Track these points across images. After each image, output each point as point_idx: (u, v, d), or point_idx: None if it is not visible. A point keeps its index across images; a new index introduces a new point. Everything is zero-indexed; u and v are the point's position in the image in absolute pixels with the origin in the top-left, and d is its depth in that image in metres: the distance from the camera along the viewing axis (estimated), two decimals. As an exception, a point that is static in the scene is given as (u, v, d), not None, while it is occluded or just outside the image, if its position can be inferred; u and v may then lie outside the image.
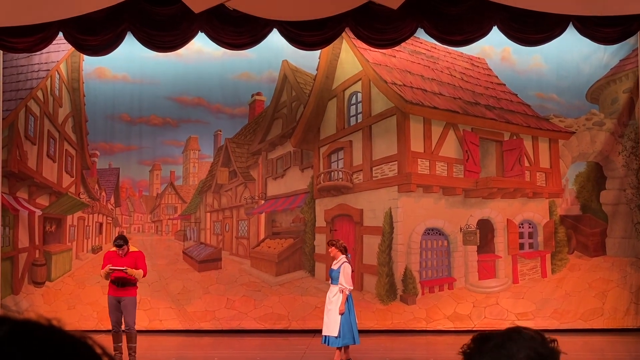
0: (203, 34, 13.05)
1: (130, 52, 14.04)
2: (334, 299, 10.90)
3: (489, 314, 14.33)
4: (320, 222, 14.73)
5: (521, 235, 14.66)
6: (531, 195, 14.61)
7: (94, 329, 13.44)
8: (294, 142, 14.89)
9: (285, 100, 15.03)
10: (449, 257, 14.57)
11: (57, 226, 14.93)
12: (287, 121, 15.00)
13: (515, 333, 1.68)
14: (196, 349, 13.26)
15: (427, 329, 14.25)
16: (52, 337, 1.20)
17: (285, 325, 14.41)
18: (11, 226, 14.52)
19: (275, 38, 13.23)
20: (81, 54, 14.39)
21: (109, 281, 11.04)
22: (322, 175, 14.79)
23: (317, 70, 14.82)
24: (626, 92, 14.41)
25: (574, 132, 14.57)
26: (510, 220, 14.57)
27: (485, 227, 14.61)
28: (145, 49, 13.43)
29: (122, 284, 10.88)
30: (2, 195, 14.17)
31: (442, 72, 14.80)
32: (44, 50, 14.05)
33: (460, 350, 1.72)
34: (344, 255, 10.97)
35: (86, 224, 15.12)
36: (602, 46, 13.86)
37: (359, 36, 13.16)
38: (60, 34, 13.00)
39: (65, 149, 15.00)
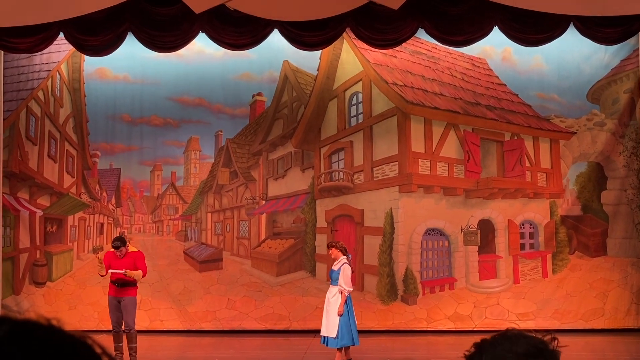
0: (204, 34, 13.05)
1: (131, 52, 14.05)
2: (333, 300, 10.91)
3: (490, 314, 14.33)
4: (321, 222, 14.73)
5: (522, 236, 14.65)
6: (532, 195, 14.60)
7: (94, 329, 13.44)
8: (294, 143, 14.89)
9: (286, 101, 15.03)
10: (450, 258, 14.57)
11: (58, 226, 14.94)
12: (288, 121, 15.00)
13: (514, 331, 1.69)
14: (197, 349, 13.26)
15: (428, 329, 14.25)
16: (52, 337, 1.20)
17: (286, 325, 14.41)
18: (12, 226, 14.52)
19: (276, 38, 13.23)
20: (82, 55, 14.40)
21: (109, 282, 11.05)
22: (323, 175, 14.79)
23: (317, 70, 14.82)
24: (627, 92, 14.41)
25: (575, 133, 14.57)
26: (511, 221, 14.57)
27: (486, 228, 14.61)
28: (146, 49, 13.44)
29: (122, 284, 10.89)
30: (3, 195, 14.17)
31: (443, 72, 14.80)
32: (45, 51, 14.06)
33: (463, 356, 1.73)
34: (345, 257, 10.96)
35: (87, 224, 15.13)
36: (603, 46, 13.86)
37: (360, 36, 13.16)
38: (61, 35, 13.00)
39: (66, 150, 15.00)
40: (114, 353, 10.69)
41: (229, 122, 15.01)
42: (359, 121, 14.75)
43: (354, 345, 10.93)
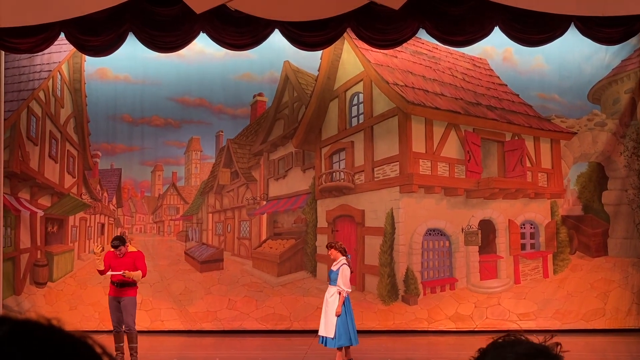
0: (205, 34, 13.05)
1: (132, 52, 14.06)
2: (331, 300, 10.92)
3: (491, 314, 14.33)
4: (322, 222, 14.74)
5: (523, 236, 14.65)
6: (533, 195, 14.60)
7: (95, 329, 13.45)
8: (295, 143, 14.89)
9: (286, 101, 15.03)
10: (451, 258, 14.57)
11: (59, 227, 14.94)
12: (289, 122, 15.01)
13: (514, 335, 1.70)
14: (198, 349, 13.26)
15: (429, 329, 14.25)
16: (52, 337, 1.20)
17: (287, 325, 14.41)
18: (13, 227, 14.52)
19: (276, 39, 13.23)
20: (83, 55, 14.41)
21: (109, 282, 11.06)
22: (324, 175, 14.79)
23: (318, 70, 14.82)
24: (628, 92, 14.40)
25: (576, 133, 14.57)
26: (512, 221, 14.57)
27: (487, 228, 14.61)
28: (147, 49, 13.44)
29: (121, 284, 10.89)
30: (4, 195, 14.17)
31: (443, 72, 14.80)
32: (46, 51, 14.07)
33: None
34: (344, 257, 10.97)
35: (88, 224, 15.14)
36: (604, 46, 13.85)
37: (361, 37, 13.16)
38: (62, 35, 13.00)
39: (67, 150, 15.01)
40: (114, 353, 10.70)
41: (230, 123, 15.01)
42: (360, 121, 14.75)
43: (351, 345, 10.92)
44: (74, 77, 14.97)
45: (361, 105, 14.76)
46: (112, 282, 10.96)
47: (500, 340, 1.70)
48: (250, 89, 14.91)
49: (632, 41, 13.81)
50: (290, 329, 14.33)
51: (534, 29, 12.77)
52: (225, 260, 14.98)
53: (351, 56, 14.75)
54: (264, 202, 15.07)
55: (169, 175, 15.32)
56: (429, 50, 14.79)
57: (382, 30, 12.88)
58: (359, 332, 11.20)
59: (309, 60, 14.63)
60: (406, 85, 14.57)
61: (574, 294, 14.29)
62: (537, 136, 14.70)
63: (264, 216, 15.08)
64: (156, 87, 14.80)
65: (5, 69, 14.35)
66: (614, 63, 14.42)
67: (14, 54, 14.02)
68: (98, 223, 15.20)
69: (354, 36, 13.69)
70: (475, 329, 14.09)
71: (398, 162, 14.44)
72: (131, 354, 10.92)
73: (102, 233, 15.16)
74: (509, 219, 14.56)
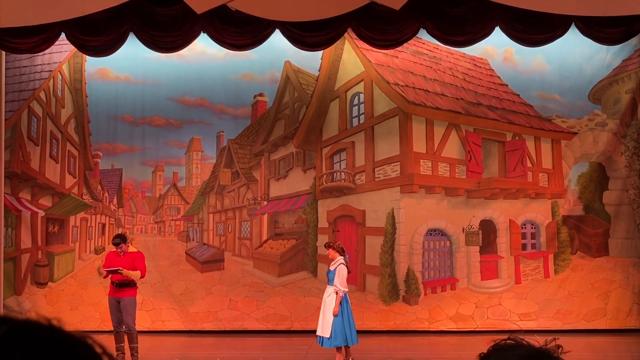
0: (205, 34, 13.05)
1: (133, 52, 14.06)
2: (329, 300, 10.93)
3: (492, 314, 14.33)
4: (323, 223, 14.74)
5: (524, 236, 14.65)
6: (534, 195, 14.60)
7: (96, 329, 13.45)
8: (296, 143, 14.89)
9: (287, 101, 15.03)
10: (452, 258, 14.57)
11: (60, 227, 14.94)
12: (290, 122, 15.01)
13: (516, 338, 1.70)
14: (199, 349, 13.26)
15: (430, 329, 14.25)
16: (52, 337, 1.20)
17: (287, 325, 14.41)
18: (14, 227, 14.53)
19: (277, 39, 13.23)
20: (83, 55, 14.42)
21: (110, 282, 11.07)
22: (325, 176, 14.79)
23: (319, 71, 14.82)
24: (629, 92, 14.40)
25: (577, 133, 14.57)
26: (513, 221, 14.56)
27: (488, 228, 14.61)
28: (148, 49, 13.43)
29: (120, 284, 10.88)
30: (4, 196, 14.18)
31: (444, 72, 14.80)
32: (47, 51, 14.07)
33: None
34: (342, 257, 10.98)
35: (89, 224, 15.14)
36: (605, 47, 13.85)
37: (361, 37, 13.15)
38: (63, 35, 13.00)
39: (68, 150, 15.01)
40: (115, 353, 10.70)
41: (231, 123, 15.02)
42: (361, 121, 14.75)
43: (347, 345, 10.91)
44: (74, 77, 14.97)
45: (362, 106, 14.76)
46: (112, 282, 10.97)
47: (501, 343, 1.70)
48: (251, 89, 14.91)
49: (633, 41, 13.80)
50: (291, 329, 14.33)
51: (535, 29, 12.76)
52: (226, 261, 14.98)
53: (352, 56, 14.75)
54: (265, 203, 15.07)
55: (170, 175, 15.32)
56: (430, 51, 14.78)
57: (383, 31, 12.88)
58: (359, 332, 11.20)
59: (310, 61, 14.63)
60: (407, 85, 14.57)
61: (575, 294, 14.29)
62: (538, 136, 14.70)
63: (265, 216, 15.08)
64: (157, 87, 14.80)
65: (6, 69, 14.36)
66: (614, 63, 14.42)
67: (15, 54, 14.02)
68: (99, 223, 15.20)
69: (354, 36, 13.68)
70: (476, 329, 14.09)
71: (399, 162, 14.44)
72: (132, 354, 10.92)
73: (103, 233, 15.16)
74: (509, 219, 14.56)
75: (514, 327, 13.91)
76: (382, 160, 14.55)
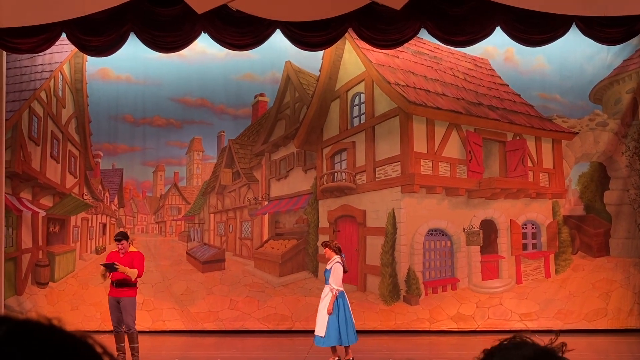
0: (206, 34, 13.05)
1: (134, 53, 14.06)
2: (325, 299, 10.96)
3: (493, 314, 14.32)
4: (324, 223, 14.74)
5: (524, 236, 14.65)
6: (534, 195, 14.60)
7: (97, 329, 13.45)
8: (297, 143, 14.90)
9: (288, 101, 15.03)
10: (452, 258, 14.57)
11: (61, 227, 14.95)
12: (290, 122, 15.01)
13: (521, 337, 1.69)
14: (199, 349, 13.26)
15: (431, 329, 14.24)
16: (52, 336, 1.20)
17: (288, 325, 14.42)
18: (14, 227, 14.53)
19: (278, 39, 13.23)
20: (84, 55, 14.42)
21: (110, 282, 11.07)
22: (326, 176, 14.80)
23: (320, 71, 14.82)
24: (629, 92, 14.40)
25: (577, 133, 14.56)
26: (514, 221, 14.56)
27: (489, 228, 14.61)
28: (149, 49, 13.43)
29: (120, 284, 10.88)
30: (5, 196, 14.18)
31: (445, 72, 14.80)
32: (47, 51, 14.07)
33: None
34: (338, 256, 11.00)
35: (90, 224, 15.14)
36: (606, 46, 13.84)
37: (362, 37, 13.15)
38: (64, 35, 13.00)
39: (69, 150, 15.02)
40: (116, 353, 10.70)
41: (232, 123, 15.02)
42: (361, 121, 14.75)
43: (341, 345, 10.90)
44: (75, 77, 14.98)
45: (362, 106, 14.76)
46: (112, 282, 10.98)
47: (505, 342, 1.69)
48: (251, 89, 14.92)
49: (634, 41, 13.80)
50: (292, 329, 14.33)
51: (536, 29, 12.75)
52: (227, 261, 14.98)
53: (352, 56, 14.75)
54: (266, 203, 15.07)
55: (171, 175, 15.32)
56: (431, 51, 14.78)
57: (384, 31, 12.88)
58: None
59: (311, 61, 14.63)
60: (408, 85, 14.57)
61: (576, 294, 14.28)
62: (539, 136, 14.70)
63: (266, 216, 15.08)
64: (158, 87, 14.80)
65: (7, 69, 14.37)
66: (615, 63, 14.42)
67: (16, 54, 14.02)
68: (100, 223, 15.21)
69: (355, 36, 13.67)
70: (477, 329, 14.09)
71: (399, 162, 14.44)
72: (132, 354, 10.92)
73: (104, 233, 15.17)
74: (510, 219, 14.56)
75: (515, 327, 13.90)
76: (382, 160, 14.55)
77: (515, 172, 14.59)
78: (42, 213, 14.73)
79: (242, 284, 14.72)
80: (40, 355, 1.16)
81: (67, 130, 15.01)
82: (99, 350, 1.24)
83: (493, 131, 14.69)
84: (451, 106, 14.58)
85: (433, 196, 14.49)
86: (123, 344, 11.02)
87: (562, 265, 14.47)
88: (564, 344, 1.70)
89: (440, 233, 14.58)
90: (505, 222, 14.57)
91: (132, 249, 11.25)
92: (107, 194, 15.19)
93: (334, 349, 10.96)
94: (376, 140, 14.61)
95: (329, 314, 10.75)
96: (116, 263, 10.73)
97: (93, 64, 14.80)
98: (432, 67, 14.80)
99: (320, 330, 10.85)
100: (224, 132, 15.06)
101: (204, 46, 14.33)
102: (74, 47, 13.77)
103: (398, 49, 14.07)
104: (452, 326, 14.26)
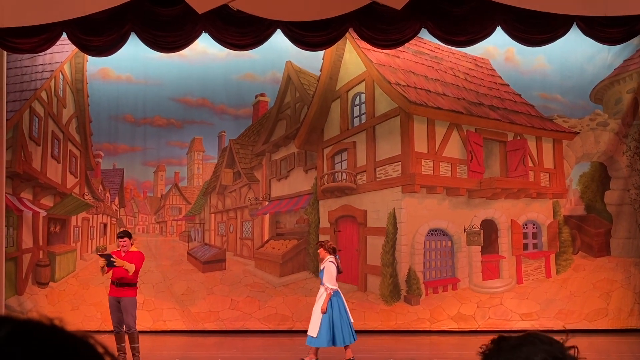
0: (207, 34, 13.05)
1: (134, 52, 14.06)
2: (320, 299, 10.98)
3: (493, 314, 14.32)
4: (324, 223, 14.73)
5: (525, 236, 14.65)
6: (535, 195, 14.60)
7: (97, 329, 13.45)
8: (297, 143, 14.89)
9: (289, 101, 15.03)
10: (453, 258, 14.56)
11: (62, 227, 14.95)
12: (291, 122, 15.01)
13: (533, 337, 1.67)
14: (200, 349, 13.27)
15: (431, 329, 14.24)
16: (53, 336, 1.19)
17: (289, 325, 14.41)
18: (15, 227, 14.53)
19: (279, 39, 13.23)
20: (85, 55, 14.41)
21: (110, 282, 11.07)
22: (326, 176, 14.80)
23: (320, 71, 14.82)
24: (630, 92, 14.40)
25: (578, 133, 14.56)
26: (514, 221, 14.56)
27: (489, 228, 14.60)
28: (149, 49, 13.43)
29: (120, 283, 10.87)
30: (6, 196, 14.18)
31: (445, 72, 14.79)
32: (48, 51, 14.07)
33: (480, 350, 1.71)
34: (332, 256, 11.02)
35: (90, 224, 15.14)
36: (606, 46, 13.84)
37: (363, 37, 13.15)
38: (64, 35, 13.00)
39: (70, 150, 15.02)
40: (116, 353, 10.70)
41: (232, 123, 15.02)
42: (362, 122, 14.75)
43: (331, 346, 10.90)
44: (76, 77, 14.98)
45: (363, 106, 14.76)
46: (112, 282, 10.97)
47: (512, 342, 1.68)
48: (252, 89, 14.92)
49: (634, 41, 13.80)
50: (293, 329, 14.31)
51: (536, 29, 12.75)
52: (228, 261, 14.98)
53: (353, 56, 14.75)
54: (267, 203, 15.07)
55: (172, 175, 15.32)
56: (431, 50, 14.78)
57: (384, 30, 12.88)
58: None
59: (311, 61, 14.63)
60: (408, 85, 14.57)
61: (577, 294, 14.28)
62: (539, 136, 14.69)
63: (267, 216, 15.08)
64: (158, 87, 14.80)
65: (7, 69, 14.37)
66: (616, 63, 14.42)
67: (16, 54, 14.02)
68: (100, 223, 15.21)
69: (356, 36, 13.67)
70: (478, 329, 14.09)
71: (400, 162, 14.44)
72: (133, 354, 10.91)
73: (105, 233, 15.17)
74: (511, 219, 14.56)
75: (516, 326, 13.90)
76: (383, 160, 14.55)
77: (516, 172, 14.59)
78: (42, 213, 14.73)
79: (242, 284, 14.72)
80: (42, 356, 1.16)
81: (68, 130, 15.01)
82: (100, 350, 1.24)
83: (494, 131, 14.69)
84: (452, 106, 14.57)
85: (434, 196, 14.49)
86: (124, 344, 11.01)
87: (562, 265, 14.47)
88: (574, 346, 1.69)
89: (440, 233, 14.58)
90: (505, 222, 14.57)
91: (133, 248, 11.25)
92: (107, 194, 15.19)
93: (316, 350, 10.96)
94: (377, 140, 14.61)
95: (323, 312, 10.77)
96: (113, 256, 10.72)
97: (94, 64, 14.79)
98: (432, 67, 14.80)
99: (313, 330, 10.88)
100: (224, 132, 15.06)
101: (204, 46, 14.33)
102: (74, 47, 13.77)
103: (399, 49, 14.07)
104: (453, 326, 14.26)
